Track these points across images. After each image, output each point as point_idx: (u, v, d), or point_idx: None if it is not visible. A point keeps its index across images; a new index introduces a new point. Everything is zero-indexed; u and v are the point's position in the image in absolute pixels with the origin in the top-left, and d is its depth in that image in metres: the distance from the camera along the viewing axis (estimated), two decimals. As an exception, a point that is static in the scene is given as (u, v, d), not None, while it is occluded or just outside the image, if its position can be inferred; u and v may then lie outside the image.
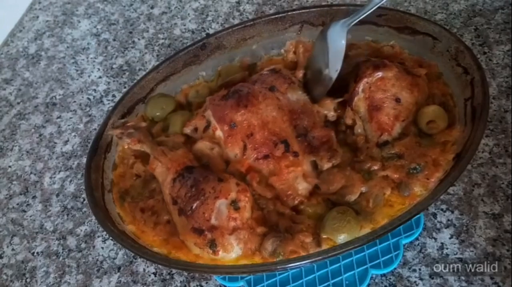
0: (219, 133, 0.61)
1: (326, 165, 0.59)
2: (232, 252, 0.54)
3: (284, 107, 0.62)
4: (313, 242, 0.53)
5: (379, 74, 0.62)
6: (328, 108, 0.64)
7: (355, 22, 0.62)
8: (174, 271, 0.64)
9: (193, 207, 0.55)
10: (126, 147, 0.65)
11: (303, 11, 0.73)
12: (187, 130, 0.65)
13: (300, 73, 0.68)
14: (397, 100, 0.61)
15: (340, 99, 0.64)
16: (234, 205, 0.54)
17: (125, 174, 0.64)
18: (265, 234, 0.55)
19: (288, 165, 0.58)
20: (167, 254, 0.56)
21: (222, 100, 0.62)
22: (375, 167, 0.58)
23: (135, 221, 0.59)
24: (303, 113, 0.62)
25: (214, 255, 0.54)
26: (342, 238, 0.53)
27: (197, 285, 0.62)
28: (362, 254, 0.59)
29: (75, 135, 0.84)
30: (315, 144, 0.60)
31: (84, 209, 0.74)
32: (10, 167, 0.83)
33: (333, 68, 0.62)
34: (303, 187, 0.58)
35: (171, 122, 0.67)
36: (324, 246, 0.53)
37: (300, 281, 0.59)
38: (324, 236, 0.54)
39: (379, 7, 0.61)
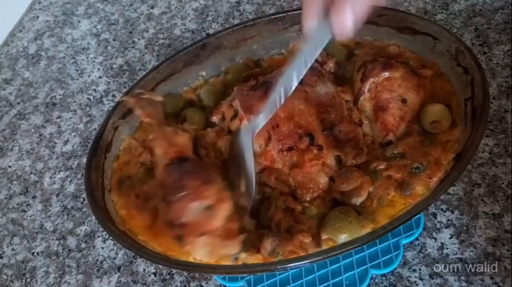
0: (245, 123, 0.61)
1: (350, 162, 0.59)
2: (199, 251, 0.53)
3: (312, 101, 0.62)
4: (312, 243, 0.53)
5: (386, 74, 0.62)
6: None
7: (260, 129, 0.55)
8: (174, 271, 0.64)
9: (171, 200, 0.54)
10: (137, 114, 0.64)
11: (303, 11, 0.73)
12: (216, 119, 0.66)
13: (331, 64, 0.69)
14: (403, 101, 0.61)
15: None
16: (209, 211, 0.53)
17: (129, 162, 0.64)
18: (264, 235, 0.55)
19: (311, 158, 0.58)
20: (146, 241, 0.55)
21: (250, 91, 0.63)
22: (381, 167, 0.58)
23: (127, 205, 0.59)
24: (331, 106, 0.62)
25: (180, 248, 0.53)
26: (343, 238, 0.53)
27: (197, 285, 0.62)
28: (362, 254, 0.59)
29: (75, 135, 0.84)
30: (341, 139, 0.60)
31: (84, 209, 0.74)
32: (10, 167, 0.83)
33: (250, 190, 0.55)
34: (324, 180, 0.58)
35: (188, 118, 0.68)
36: (324, 247, 0.53)
37: (300, 281, 0.59)
38: (325, 236, 0.53)
39: (379, 7, 0.61)
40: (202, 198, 0.53)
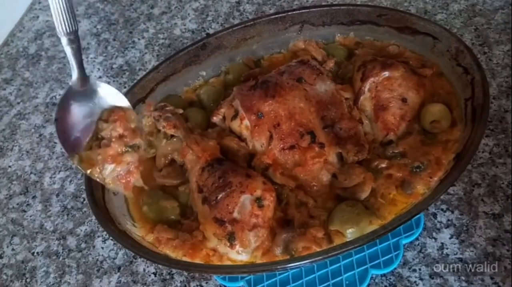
0: (246, 122, 0.62)
1: (352, 159, 0.59)
2: (248, 247, 0.54)
3: (312, 99, 0.62)
4: (325, 237, 0.54)
5: (386, 73, 0.62)
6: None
7: None
8: (174, 271, 0.64)
9: (218, 198, 0.55)
10: (161, 129, 0.65)
11: (303, 11, 0.73)
12: (216, 119, 0.66)
13: (331, 63, 0.69)
14: (404, 100, 0.61)
15: None
16: (259, 202, 0.55)
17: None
18: (276, 232, 0.55)
19: (313, 156, 0.59)
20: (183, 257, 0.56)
21: (250, 91, 0.63)
22: (383, 165, 0.58)
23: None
24: (331, 104, 0.63)
25: (230, 248, 0.54)
26: (351, 230, 0.53)
27: (197, 285, 0.62)
28: (362, 254, 0.59)
29: (75, 135, 0.84)
30: (342, 135, 0.61)
31: (84, 209, 0.74)
32: (10, 167, 0.83)
33: None
34: (327, 178, 0.58)
35: (190, 118, 0.68)
36: (336, 240, 0.53)
37: (300, 281, 0.59)
38: (333, 228, 0.54)
39: (379, 7, 0.61)
40: (251, 190, 0.55)
